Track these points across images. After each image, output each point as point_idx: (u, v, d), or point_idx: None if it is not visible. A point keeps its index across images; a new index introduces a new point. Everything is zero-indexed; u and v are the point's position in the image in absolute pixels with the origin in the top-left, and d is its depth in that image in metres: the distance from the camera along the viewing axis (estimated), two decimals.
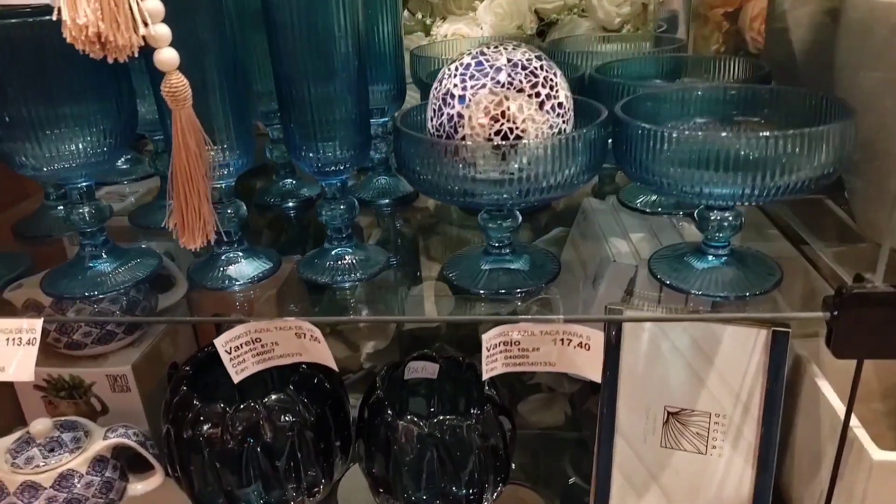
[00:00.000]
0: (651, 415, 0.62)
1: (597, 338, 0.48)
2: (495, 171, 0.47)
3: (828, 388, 0.56)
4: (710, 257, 0.53)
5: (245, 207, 0.57)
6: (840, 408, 0.54)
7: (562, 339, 0.49)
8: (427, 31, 1.00)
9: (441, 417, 0.59)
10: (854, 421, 0.51)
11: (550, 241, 0.77)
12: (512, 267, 0.55)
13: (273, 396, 0.59)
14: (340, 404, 0.65)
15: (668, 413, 0.61)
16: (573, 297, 0.72)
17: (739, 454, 0.60)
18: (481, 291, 0.54)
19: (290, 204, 0.74)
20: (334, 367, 0.51)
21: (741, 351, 0.59)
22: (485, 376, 0.49)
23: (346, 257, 0.57)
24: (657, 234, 0.66)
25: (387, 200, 0.74)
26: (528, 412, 0.92)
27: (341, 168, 0.54)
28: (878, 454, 0.48)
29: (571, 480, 0.84)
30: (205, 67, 0.49)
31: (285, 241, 0.72)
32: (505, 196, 0.48)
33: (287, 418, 0.59)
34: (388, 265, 0.58)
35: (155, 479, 0.66)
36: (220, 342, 0.50)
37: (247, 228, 0.62)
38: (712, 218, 0.51)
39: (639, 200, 0.69)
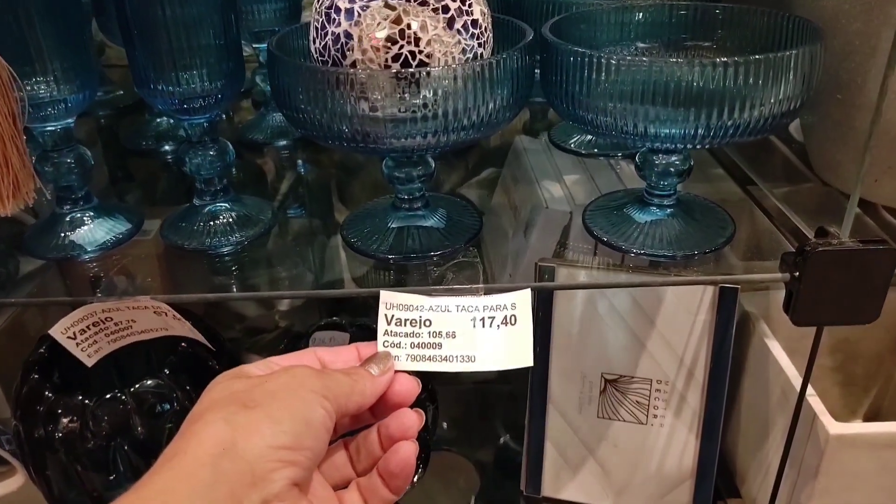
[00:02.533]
0: (587, 383, 0.56)
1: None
2: (396, 107, 0.37)
3: (778, 350, 0.50)
4: (654, 208, 0.45)
5: (89, 154, 0.46)
6: (791, 370, 0.48)
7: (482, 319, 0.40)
8: None
9: None
10: (809, 390, 0.45)
11: (481, 184, 0.70)
12: (425, 224, 0.46)
13: (145, 383, 0.50)
14: None
15: (606, 380, 0.55)
16: (503, 247, 0.65)
17: (683, 423, 0.54)
18: (389, 257, 0.45)
19: (167, 147, 0.63)
20: (207, 344, 0.41)
21: (685, 310, 0.53)
22: None
23: (222, 216, 0.46)
24: (594, 177, 0.59)
25: (285, 142, 0.64)
26: None
27: (208, 103, 0.43)
28: (834, 427, 0.43)
29: (502, 440, 0.80)
30: None
31: (163, 193, 0.61)
32: (409, 140, 0.38)
33: (163, 407, 0.50)
34: (274, 223, 0.48)
35: (15, 480, 0.56)
36: (58, 331, 0.39)
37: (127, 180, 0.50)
38: (657, 162, 0.43)
39: (572, 140, 0.61)
